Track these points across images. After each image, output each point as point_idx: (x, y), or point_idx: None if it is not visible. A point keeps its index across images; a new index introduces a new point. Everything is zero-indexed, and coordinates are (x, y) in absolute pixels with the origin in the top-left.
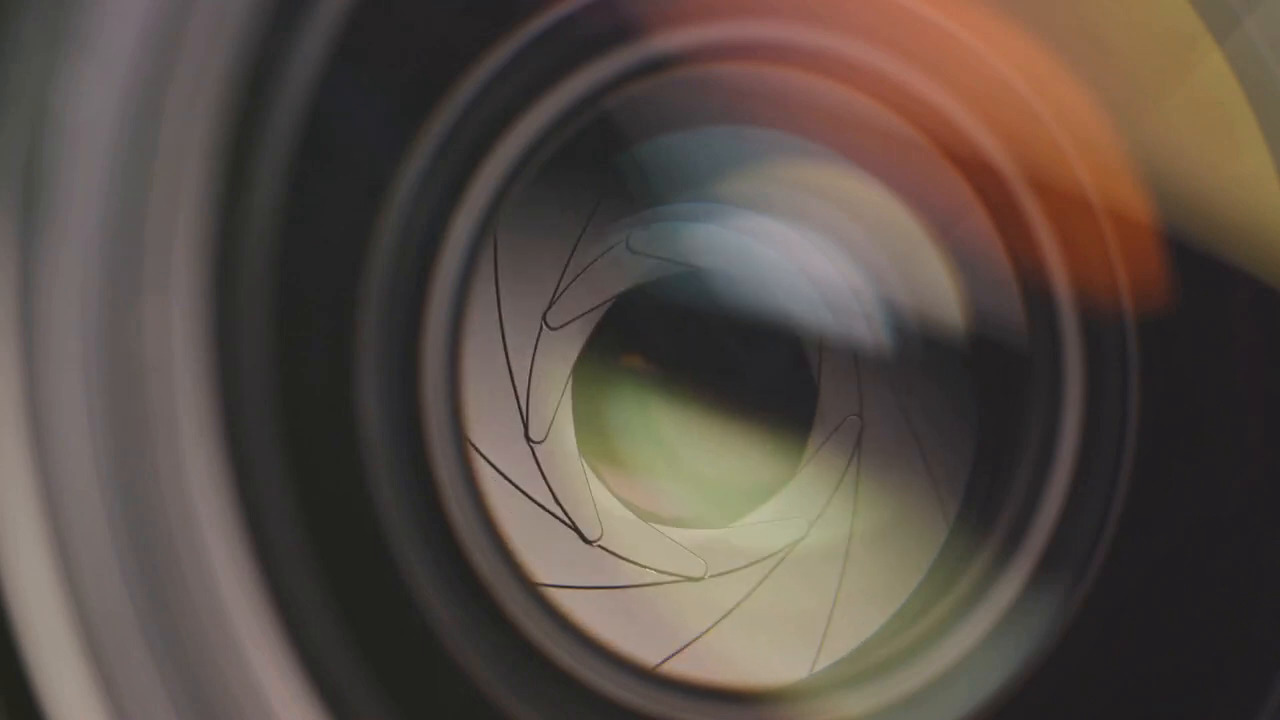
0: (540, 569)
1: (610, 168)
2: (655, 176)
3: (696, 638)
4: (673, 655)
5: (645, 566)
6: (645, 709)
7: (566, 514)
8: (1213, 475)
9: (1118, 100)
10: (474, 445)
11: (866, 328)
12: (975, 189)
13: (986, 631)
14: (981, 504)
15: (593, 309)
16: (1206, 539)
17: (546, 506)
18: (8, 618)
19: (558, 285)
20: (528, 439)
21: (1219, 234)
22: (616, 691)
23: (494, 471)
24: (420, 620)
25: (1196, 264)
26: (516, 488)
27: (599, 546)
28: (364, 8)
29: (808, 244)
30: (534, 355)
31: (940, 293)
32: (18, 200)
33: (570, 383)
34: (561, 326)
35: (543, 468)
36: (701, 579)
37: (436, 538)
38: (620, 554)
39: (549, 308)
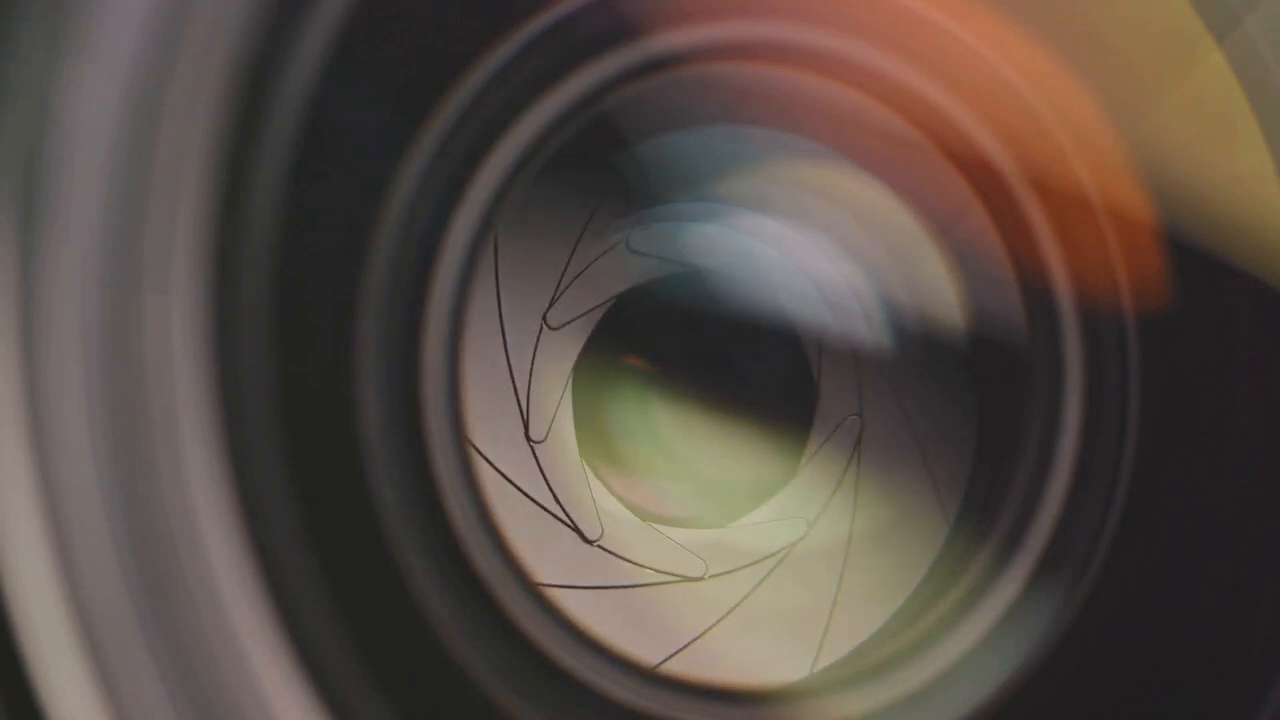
0: (540, 568)
1: (610, 168)
2: (655, 176)
3: (696, 638)
4: (672, 655)
5: (645, 566)
6: (645, 709)
7: (566, 513)
8: (1213, 475)
9: (1118, 100)
10: (474, 446)
11: (866, 328)
12: (975, 189)
13: (986, 631)
14: (981, 504)
15: (593, 309)
16: (1206, 539)
17: (546, 506)
18: (8, 618)
19: (558, 285)
20: (528, 439)
21: (1219, 234)
22: (616, 691)
23: (495, 472)
24: (420, 620)
25: (1196, 264)
26: (516, 486)
27: (599, 546)
28: (364, 7)
29: (808, 244)
30: (534, 355)
31: (940, 293)
32: (18, 200)
33: (570, 383)
34: (562, 326)
35: (543, 467)
36: (701, 579)
37: (436, 538)
38: (620, 554)
39: (549, 307)
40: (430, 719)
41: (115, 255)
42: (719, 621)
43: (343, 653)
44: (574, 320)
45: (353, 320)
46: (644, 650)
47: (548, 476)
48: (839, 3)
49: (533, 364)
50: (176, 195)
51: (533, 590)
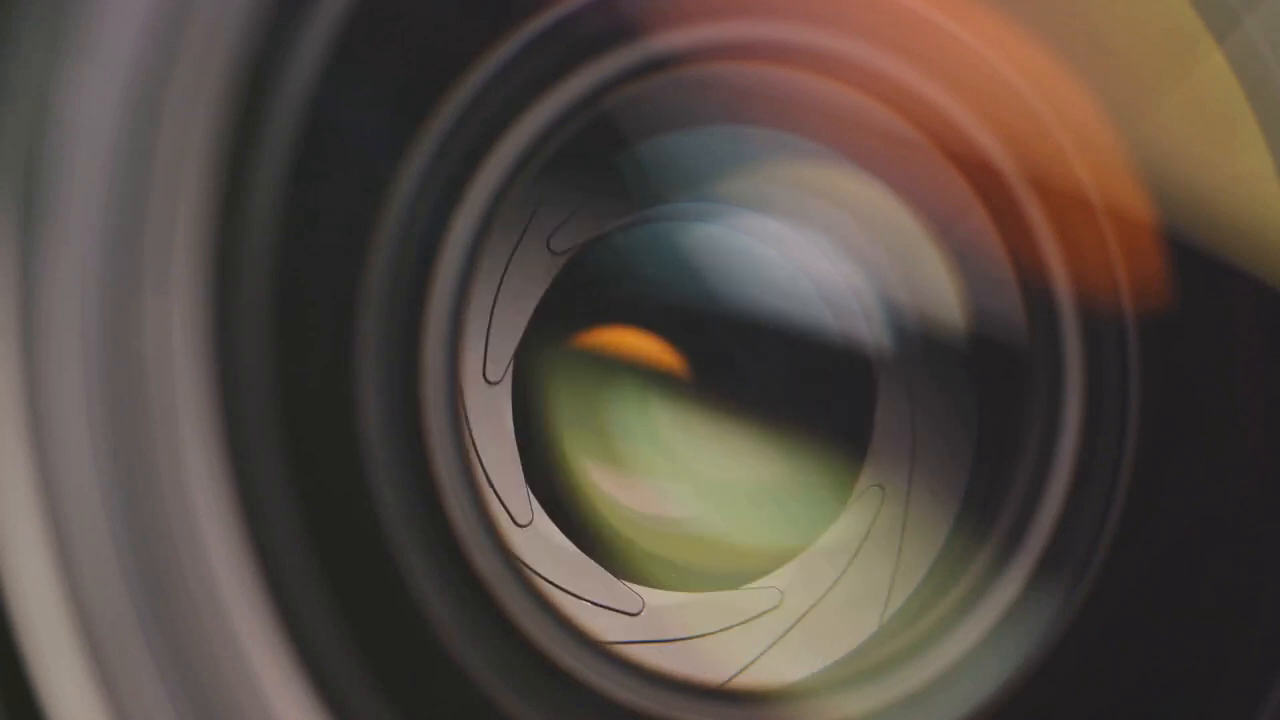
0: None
1: (610, 168)
2: (655, 176)
3: (763, 652)
4: (742, 670)
5: (582, 597)
6: (645, 709)
7: (497, 494)
8: (1213, 475)
9: (1118, 100)
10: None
11: (866, 328)
12: (975, 189)
13: (986, 631)
14: (981, 504)
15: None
16: (1206, 539)
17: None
18: (8, 618)
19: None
20: (484, 378)
21: (1219, 234)
22: (616, 691)
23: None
24: (420, 620)
25: (1196, 264)
26: (558, 587)
27: (529, 570)
28: (364, 7)
29: (808, 244)
30: (494, 307)
31: (940, 293)
32: (18, 200)
33: (513, 366)
34: (565, 251)
35: (480, 452)
36: (638, 615)
37: (436, 538)
38: (559, 583)
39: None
40: (430, 719)
41: (115, 255)
42: (784, 635)
43: (343, 653)
44: (578, 245)
45: (353, 320)
46: (706, 673)
47: (482, 458)
48: (839, 3)
49: (493, 309)
50: (176, 195)
51: (532, 590)
